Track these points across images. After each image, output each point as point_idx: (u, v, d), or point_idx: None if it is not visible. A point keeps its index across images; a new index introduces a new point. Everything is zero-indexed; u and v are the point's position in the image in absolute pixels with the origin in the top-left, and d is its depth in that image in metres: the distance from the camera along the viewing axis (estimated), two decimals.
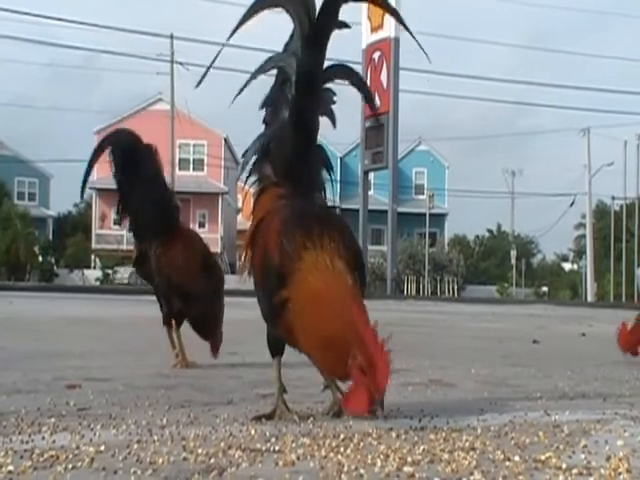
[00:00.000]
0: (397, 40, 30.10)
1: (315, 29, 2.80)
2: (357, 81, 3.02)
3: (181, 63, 42.07)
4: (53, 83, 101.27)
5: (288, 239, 2.61)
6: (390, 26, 30.13)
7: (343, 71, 2.98)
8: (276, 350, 2.85)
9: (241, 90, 2.89)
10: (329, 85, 2.94)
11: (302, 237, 2.59)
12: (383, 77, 30.36)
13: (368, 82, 30.97)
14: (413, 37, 2.93)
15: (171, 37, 41.98)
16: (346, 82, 2.98)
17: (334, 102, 2.97)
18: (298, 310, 2.55)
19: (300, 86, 2.84)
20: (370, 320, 2.47)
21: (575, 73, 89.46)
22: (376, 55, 30.85)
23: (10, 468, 1.89)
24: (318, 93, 2.91)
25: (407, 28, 2.96)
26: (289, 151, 2.87)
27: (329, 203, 3.07)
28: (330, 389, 2.88)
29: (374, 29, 31.03)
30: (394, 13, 2.99)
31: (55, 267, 40.42)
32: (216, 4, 48.85)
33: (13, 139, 64.71)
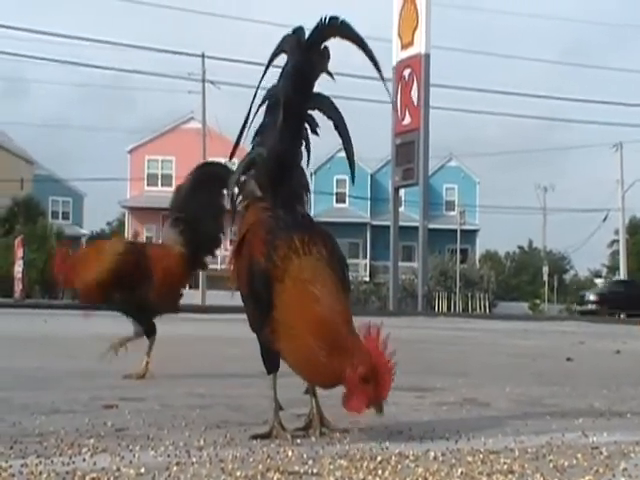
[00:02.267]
0: (427, 57, 30.15)
1: (305, 56, 2.90)
2: (338, 120, 3.01)
3: (212, 82, 42.41)
4: (86, 103, 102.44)
5: (273, 246, 2.66)
6: (420, 43, 30.20)
7: (327, 104, 3.00)
8: (271, 366, 2.88)
9: (238, 140, 3.01)
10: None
11: (288, 243, 2.66)
12: (414, 94, 30.38)
13: (398, 100, 31.07)
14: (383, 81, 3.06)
15: (202, 56, 42.34)
16: (326, 116, 3.01)
17: (316, 132, 3.03)
18: (284, 319, 2.60)
19: (287, 107, 2.91)
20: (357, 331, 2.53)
21: (608, 88, 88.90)
22: (406, 72, 30.90)
23: None
24: (304, 116, 2.98)
25: (379, 71, 3.03)
26: (275, 168, 2.92)
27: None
28: (310, 396, 2.93)
29: (404, 46, 31.10)
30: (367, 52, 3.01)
31: None
32: (247, 22, 49.23)
33: (47, 159, 65.48)
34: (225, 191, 5.01)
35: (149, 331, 5.05)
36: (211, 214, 5.01)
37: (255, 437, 2.76)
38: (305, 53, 2.91)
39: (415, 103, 30.35)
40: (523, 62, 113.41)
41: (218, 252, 5.18)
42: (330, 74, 2.98)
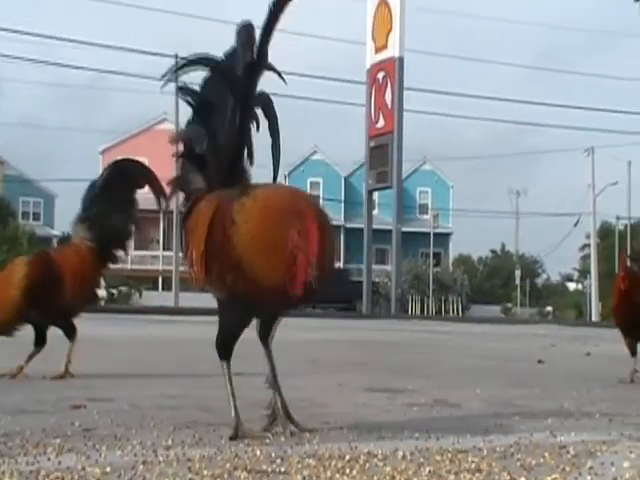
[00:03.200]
0: (401, 60, 30.22)
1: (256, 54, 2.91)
2: (271, 116, 3.01)
3: (185, 83, 42.23)
4: (58, 103, 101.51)
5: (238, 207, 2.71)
6: (395, 46, 30.28)
7: (266, 101, 3.01)
8: (225, 350, 2.84)
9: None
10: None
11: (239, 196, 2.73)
12: (387, 97, 30.45)
13: (372, 103, 31.12)
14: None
15: (175, 57, 42.09)
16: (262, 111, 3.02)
17: (257, 129, 3.02)
18: (246, 231, 2.65)
19: (240, 105, 2.93)
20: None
21: (579, 93, 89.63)
22: (380, 75, 30.95)
23: None
24: (251, 113, 2.99)
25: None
26: (226, 163, 2.95)
27: None
28: (272, 391, 2.93)
29: (378, 49, 31.15)
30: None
31: None
32: (219, 24, 49.10)
33: (18, 159, 64.75)
34: (136, 187, 5.14)
35: (71, 333, 5.05)
36: (120, 208, 5.08)
37: (232, 439, 2.74)
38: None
39: (389, 106, 30.41)
40: (497, 67, 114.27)
41: (128, 244, 5.26)
42: (276, 71, 2.99)
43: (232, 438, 2.74)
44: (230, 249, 2.69)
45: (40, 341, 5.04)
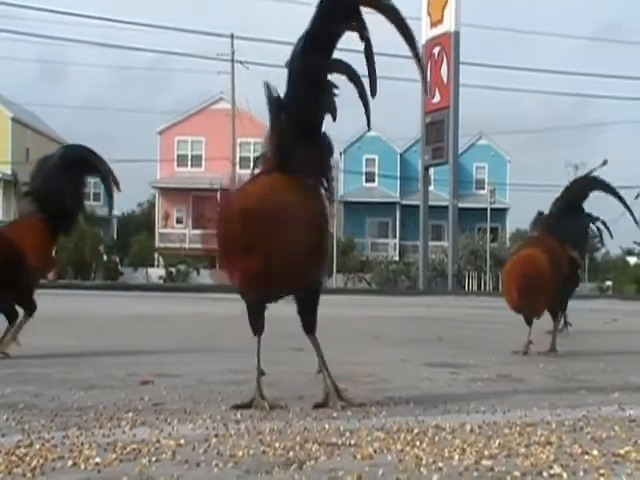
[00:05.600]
0: (457, 34, 29.93)
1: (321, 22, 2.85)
2: (354, 77, 2.99)
3: (241, 62, 42.40)
4: (117, 85, 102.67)
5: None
6: (450, 20, 29.98)
7: (343, 66, 2.97)
8: (257, 326, 2.93)
9: None
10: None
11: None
12: (443, 72, 30.20)
13: (428, 77, 30.83)
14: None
15: (231, 37, 42.34)
16: (345, 77, 2.98)
17: (335, 95, 2.99)
18: None
19: (301, 75, 2.90)
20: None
21: (638, 64, 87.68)
22: (436, 50, 30.69)
23: (97, 460, 1.95)
24: (319, 83, 2.94)
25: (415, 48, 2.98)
26: (285, 135, 2.95)
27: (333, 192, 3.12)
28: (322, 373, 2.99)
29: (434, 24, 30.87)
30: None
31: (120, 266, 41.02)
32: (275, 3, 49.04)
33: (78, 140, 65.76)
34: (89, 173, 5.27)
35: (31, 308, 4.88)
36: (66, 182, 5.09)
37: (237, 406, 2.84)
38: (323, 19, 2.86)
39: (445, 81, 30.16)
40: (554, 39, 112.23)
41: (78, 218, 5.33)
42: (360, 28, 2.90)
43: (246, 406, 2.84)
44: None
45: (14, 316, 4.84)
